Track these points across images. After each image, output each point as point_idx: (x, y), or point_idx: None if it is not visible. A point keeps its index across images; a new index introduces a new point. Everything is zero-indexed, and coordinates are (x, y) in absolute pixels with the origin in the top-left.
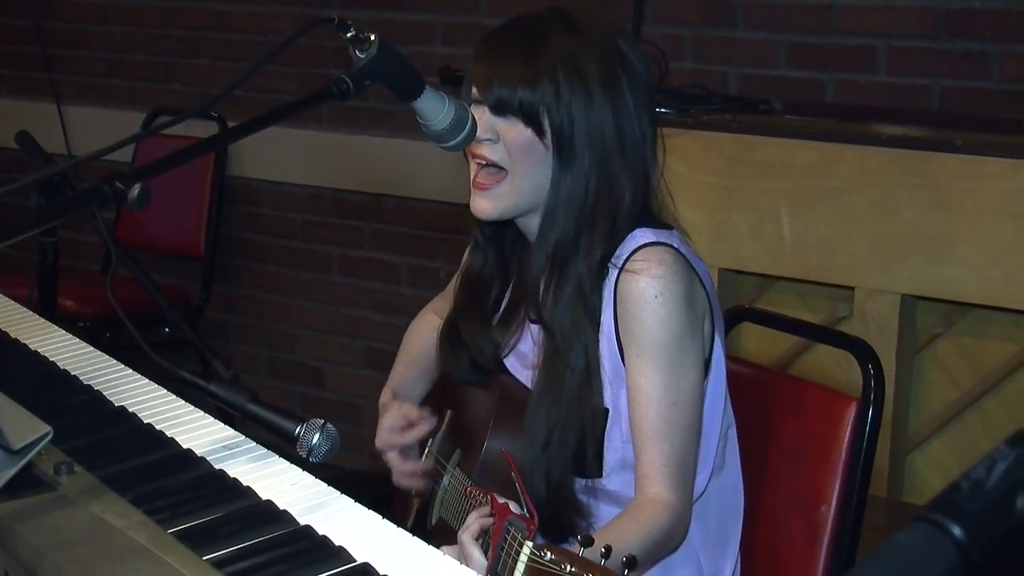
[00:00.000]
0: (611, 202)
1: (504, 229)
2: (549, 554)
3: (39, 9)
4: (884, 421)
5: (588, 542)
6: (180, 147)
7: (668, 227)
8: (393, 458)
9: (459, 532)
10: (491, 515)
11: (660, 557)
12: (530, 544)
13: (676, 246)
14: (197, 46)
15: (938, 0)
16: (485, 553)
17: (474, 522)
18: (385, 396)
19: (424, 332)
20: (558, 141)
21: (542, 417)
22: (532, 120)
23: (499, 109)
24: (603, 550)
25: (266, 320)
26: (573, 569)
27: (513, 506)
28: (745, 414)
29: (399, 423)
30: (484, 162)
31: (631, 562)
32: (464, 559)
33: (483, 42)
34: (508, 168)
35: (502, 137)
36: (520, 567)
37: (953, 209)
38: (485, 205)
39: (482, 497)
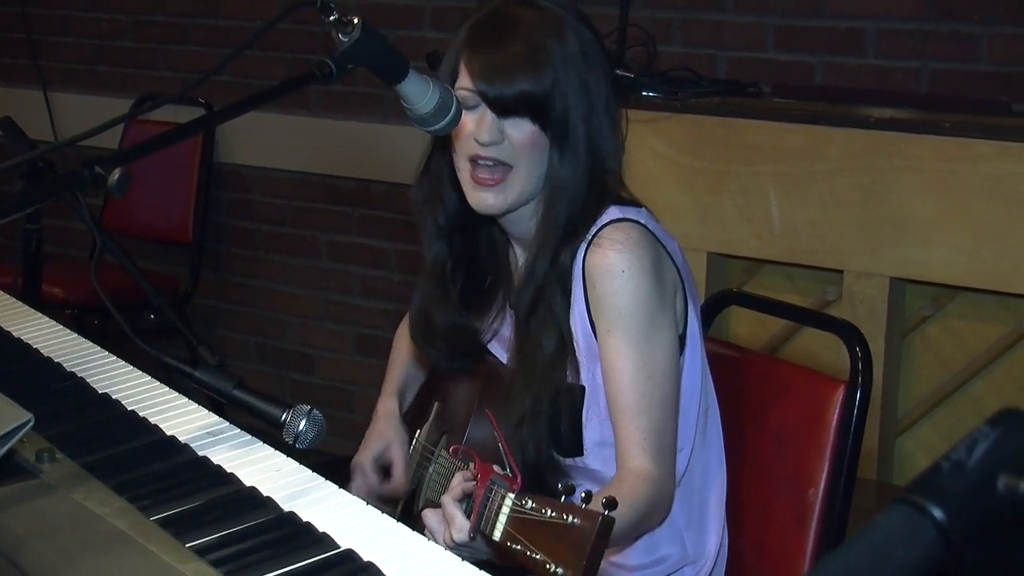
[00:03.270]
0: (601, 188)
1: (478, 219)
2: (530, 502)
3: None
4: (873, 404)
5: (570, 491)
6: (162, 132)
7: (637, 205)
8: (358, 483)
9: (443, 496)
10: (475, 477)
11: (645, 529)
12: (512, 495)
13: (643, 222)
14: (185, 32)
15: None
16: (469, 516)
17: (457, 485)
18: (387, 404)
19: None
20: (558, 130)
21: (517, 395)
22: (538, 115)
23: (504, 109)
24: (584, 495)
25: (255, 306)
26: (553, 513)
27: (497, 468)
28: (734, 397)
29: (383, 460)
30: (491, 162)
31: (611, 502)
32: (447, 520)
33: (467, 42)
34: (514, 163)
35: (508, 137)
36: (502, 518)
37: (942, 192)
38: (492, 200)
39: (466, 459)
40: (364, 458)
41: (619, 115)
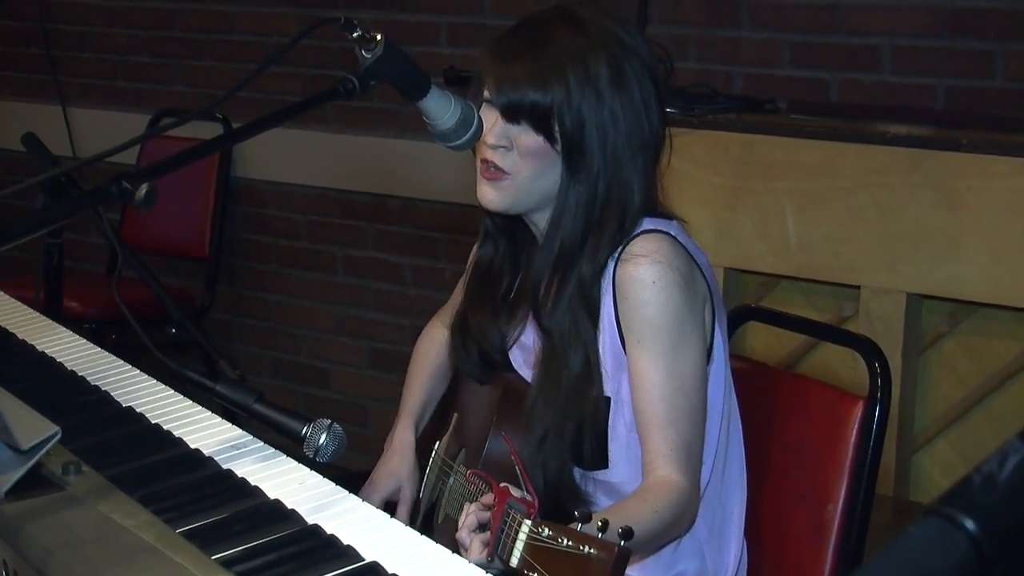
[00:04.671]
0: (621, 205)
1: (514, 222)
2: (547, 530)
3: (44, 11)
4: (890, 420)
5: (586, 518)
6: (185, 148)
7: (668, 218)
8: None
9: (458, 531)
10: (490, 507)
11: (670, 538)
12: (529, 522)
13: (674, 234)
14: (201, 47)
15: None
16: (485, 542)
17: (470, 515)
18: (402, 434)
19: (433, 347)
20: (568, 146)
21: (539, 414)
22: (543, 126)
23: (510, 115)
24: (600, 524)
25: (270, 321)
26: (570, 542)
27: (514, 490)
28: (752, 413)
29: (388, 499)
30: (492, 167)
31: (627, 533)
32: (464, 552)
33: (492, 45)
34: (514, 173)
35: (515, 144)
36: (519, 545)
37: (958, 208)
38: (492, 195)
39: (483, 484)
40: (372, 498)
41: (660, 144)
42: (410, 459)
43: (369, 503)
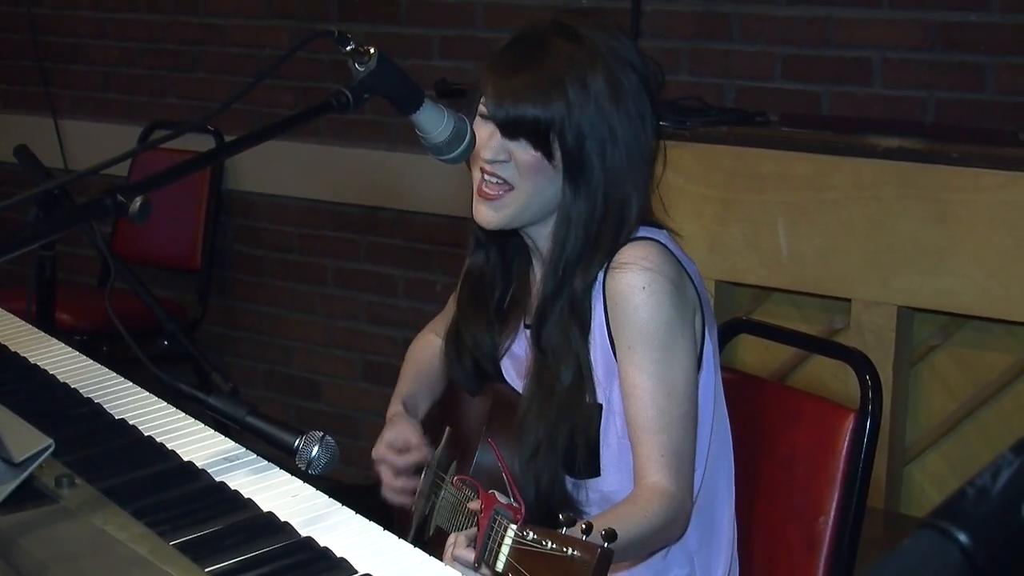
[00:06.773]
0: (620, 219)
1: (506, 231)
2: (531, 533)
3: (36, 23)
4: (881, 433)
5: (571, 522)
6: (177, 161)
7: (658, 227)
8: (385, 471)
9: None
10: (479, 508)
11: (661, 544)
12: (514, 527)
13: (663, 242)
14: (193, 60)
15: (933, 13)
16: (472, 539)
17: (459, 536)
18: (394, 408)
19: (425, 351)
20: (568, 162)
21: (531, 427)
22: (541, 142)
23: (509, 131)
24: (583, 527)
25: (262, 333)
26: (554, 545)
27: (501, 496)
28: (743, 425)
29: (399, 442)
30: (496, 179)
31: (610, 535)
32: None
33: (491, 59)
34: (516, 185)
35: (513, 157)
36: (505, 550)
37: (949, 221)
38: (490, 215)
39: (470, 490)
40: (379, 448)
41: (654, 155)
42: (401, 416)
43: (379, 456)
